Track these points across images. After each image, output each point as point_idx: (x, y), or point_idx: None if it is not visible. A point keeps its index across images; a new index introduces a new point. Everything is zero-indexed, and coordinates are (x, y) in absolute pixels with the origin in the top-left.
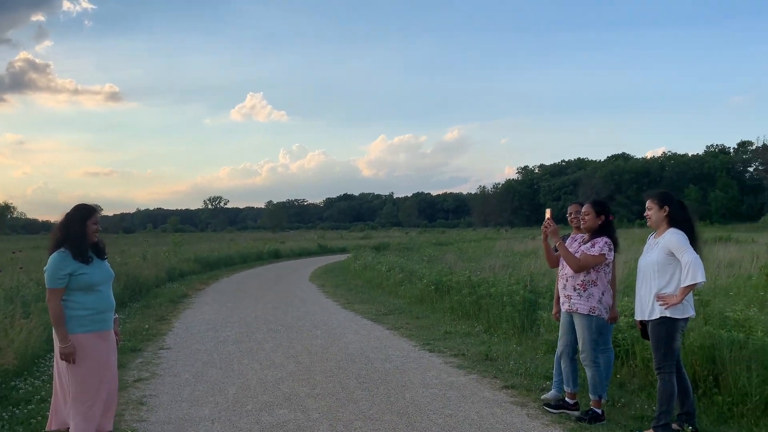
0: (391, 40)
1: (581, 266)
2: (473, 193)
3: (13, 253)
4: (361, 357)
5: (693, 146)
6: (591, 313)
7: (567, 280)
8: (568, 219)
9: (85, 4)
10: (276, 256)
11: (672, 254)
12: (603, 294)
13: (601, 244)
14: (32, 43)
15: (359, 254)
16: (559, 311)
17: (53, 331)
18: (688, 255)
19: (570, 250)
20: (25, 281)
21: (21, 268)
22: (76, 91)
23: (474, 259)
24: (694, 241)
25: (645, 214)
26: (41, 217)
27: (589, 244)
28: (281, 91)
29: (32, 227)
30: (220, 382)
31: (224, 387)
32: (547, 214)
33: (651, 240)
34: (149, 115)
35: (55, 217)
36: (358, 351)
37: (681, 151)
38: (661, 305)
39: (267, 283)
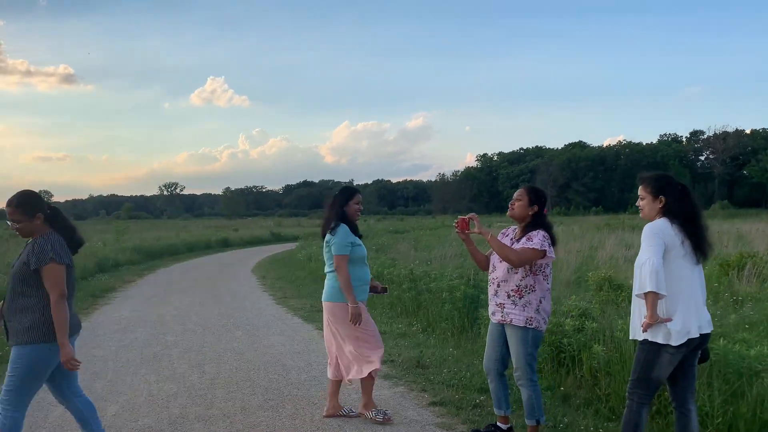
0: (357, 26)
1: (522, 260)
2: (433, 180)
3: None
4: (277, 365)
5: (648, 135)
6: (527, 325)
7: (498, 286)
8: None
9: None
10: (225, 245)
11: None
12: (541, 301)
13: (539, 237)
14: None
15: (306, 243)
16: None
17: None
18: (642, 255)
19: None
20: None
21: None
22: (28, 73)
23: (428, 247)
24: (700, 241)
25: (637, 204)
26: None
27: (524, 239)
28: (243, 76)
29: None
30: (102, 399)
31: (105, 406)
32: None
33: None
34: (105, 98)
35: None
36: (276, 357)
37: (636, 140)
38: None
39: (206, 274)
